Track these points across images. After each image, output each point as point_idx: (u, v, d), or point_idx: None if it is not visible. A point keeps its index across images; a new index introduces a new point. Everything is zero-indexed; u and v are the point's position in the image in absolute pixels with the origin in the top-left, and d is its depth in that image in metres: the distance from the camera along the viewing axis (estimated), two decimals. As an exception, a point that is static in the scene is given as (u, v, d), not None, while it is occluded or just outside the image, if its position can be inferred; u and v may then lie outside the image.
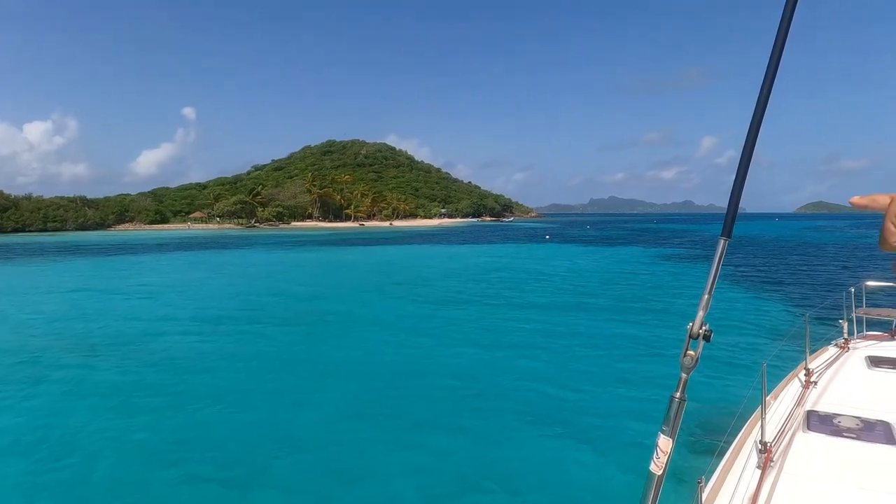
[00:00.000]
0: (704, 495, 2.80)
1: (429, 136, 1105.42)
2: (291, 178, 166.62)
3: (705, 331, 1.38)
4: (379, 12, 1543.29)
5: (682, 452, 6.87)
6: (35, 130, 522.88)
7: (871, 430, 3.64)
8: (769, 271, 30.80)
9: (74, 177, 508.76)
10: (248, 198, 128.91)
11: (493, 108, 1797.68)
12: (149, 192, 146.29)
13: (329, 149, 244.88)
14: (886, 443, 3.46)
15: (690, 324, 1.40)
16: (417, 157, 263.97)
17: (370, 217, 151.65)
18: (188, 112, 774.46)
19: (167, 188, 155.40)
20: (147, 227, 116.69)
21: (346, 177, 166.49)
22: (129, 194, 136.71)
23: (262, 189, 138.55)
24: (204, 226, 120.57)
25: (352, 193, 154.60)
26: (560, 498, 6.64)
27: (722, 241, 1.40)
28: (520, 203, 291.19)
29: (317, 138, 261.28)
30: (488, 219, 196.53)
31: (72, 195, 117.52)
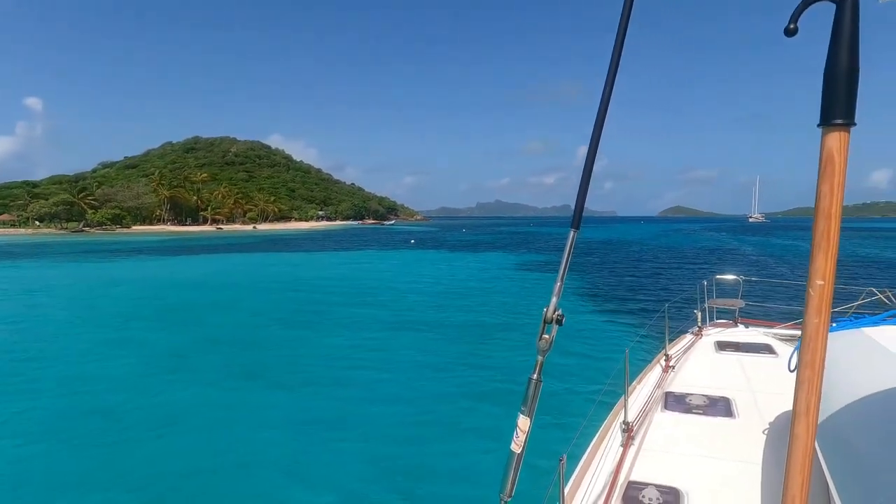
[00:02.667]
0: (574, 472, 3.17)
1: (316, 138, 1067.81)
2: (147, 176, 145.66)
3: (558, 315, 1.43)
4: (284, 27, 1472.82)
5: (549, 436, 6.45)
6: None
7: (714, 406, 4.06)
8: (634, 270, 31.80)
9: None
10: (76, 198, 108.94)
11: (382, 113, 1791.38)
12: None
13: (194, 146, 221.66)
14: (726, 416, 3.90)
15: (545, 309, 1.44)
16: (300, 158, 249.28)
17: (232, 219, 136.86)
18: (32, 103, 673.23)
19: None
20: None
21: (203, 175, 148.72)
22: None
23: (97, 188, 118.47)
24: (13, 231, 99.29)
25: (211, 194, 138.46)
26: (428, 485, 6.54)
27: (572, 233, 1.50)
28: (406, 206, 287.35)
29: (185, 136, 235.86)
30: (370, 222, 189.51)
31: None
